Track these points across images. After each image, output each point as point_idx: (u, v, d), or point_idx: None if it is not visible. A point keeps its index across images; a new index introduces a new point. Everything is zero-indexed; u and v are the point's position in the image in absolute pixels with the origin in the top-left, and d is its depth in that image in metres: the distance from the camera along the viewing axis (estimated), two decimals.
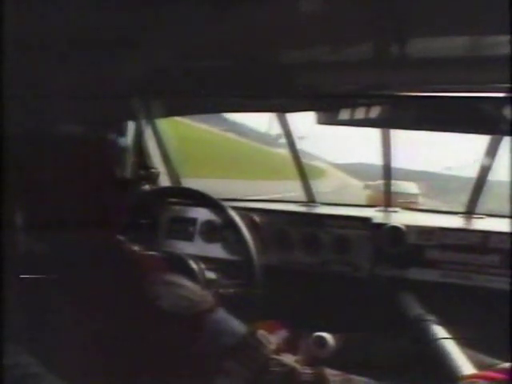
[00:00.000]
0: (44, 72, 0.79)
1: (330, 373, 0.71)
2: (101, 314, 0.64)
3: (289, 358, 0.71)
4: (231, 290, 1.23)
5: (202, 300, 0.72)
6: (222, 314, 0.72)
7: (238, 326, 0.71)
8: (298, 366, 0.69)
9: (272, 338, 0.73)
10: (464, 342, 1.06)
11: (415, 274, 1.41)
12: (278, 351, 0.70)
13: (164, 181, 1.83)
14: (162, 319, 0.66)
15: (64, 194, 0.71)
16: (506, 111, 0.99)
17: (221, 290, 1.21)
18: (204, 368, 0.66)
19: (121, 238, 0.80)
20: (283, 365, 0.69)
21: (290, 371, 0.68)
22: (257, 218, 1.58)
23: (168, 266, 0.81)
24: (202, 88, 1.08)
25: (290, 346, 0.75)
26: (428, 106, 1.14)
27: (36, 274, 0.64)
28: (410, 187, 7.05)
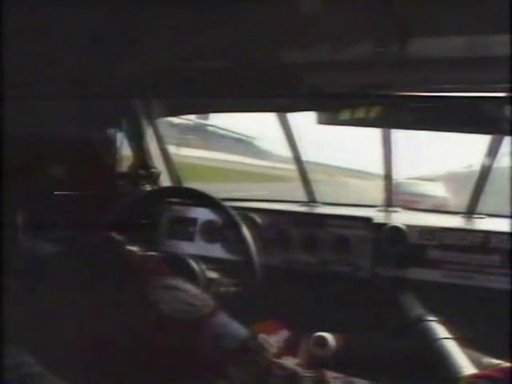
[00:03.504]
0: (44, 71, 0.79)
1: (331, 375, 0.70)
2: (101, 316, 0.64)
3: (290, 362, 0.70)
4: (232, 290, 1.23)
5: (203, 304, 0.71)
6: (223, 317, 0.71)
7: (239, 329, 0.71)
8: (299, 370, 0.69)
9: (273, 340, 0.72)
10: (464, 342, 1.06)
11: (416, 273, 1.41)
12: (279, 354, 0.70)
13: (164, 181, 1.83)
14: (162, 323, 0.66)
15: (63, 195, 0.71)
16: (506, 111, 0.99)
17: (221, 289, 1.20)
18: (205, 372, 0.66)
19: (121, 238, 0.80)
20: (284, 368, 0.68)
21: (291, 375, 0.68)
22: (257, 218, 1.58)
23: (169, 266, 0.80)
24: (202, 88, 1.08)
25: (290, 348, 0.75)
26: (428, 106, 1.14)
27: (35, 275, 0.64)
28: (435, 188, 6.24)
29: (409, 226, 1.43)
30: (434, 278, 1.38)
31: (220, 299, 1.17)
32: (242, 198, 1.98)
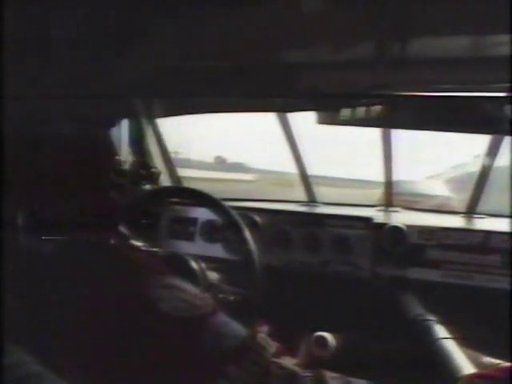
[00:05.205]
0: (44, 72, 0.79)
1: (330, 375, 0.70)
2: (101, 315, 0.64)
3: (289, 361, 0.70)
4: (232, 290, 1.23)
5: (202, 303, 0.71)
6: (222, 317, 0.71)
7: (238, 329, 0.71)
8: (297, 369, 0.69)
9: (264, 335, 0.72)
10: (464, 341, 1.06)
11: (416, 273, 1.41)
12: (278, 354, 0.70)
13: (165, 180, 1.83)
14: (162, 322, 0.66)
15: (63, 194, 0.71)
16: (506, 111, 0.99)
17: (221, 289, 1.20)
18: (204, 371, 0.66)
19: (121, 238, 0.80)
20: (283, 368, 0.68)
21: (290, 374, 0.68)
22: (257, 218, 1.58)
23: (169, 266, 0.80)
24: (202, 88, 1.08)
25: (289, 348, 0.74)
26: (428, 106, 1.14)
27: (35, 275, 0.64)
28: (435, 188, 6.12)
29: (409, 226, 1.44)
30: (434, 277, 1.38)
31: (220, 299, 1.17)
32: (241, 198, 1.98)
